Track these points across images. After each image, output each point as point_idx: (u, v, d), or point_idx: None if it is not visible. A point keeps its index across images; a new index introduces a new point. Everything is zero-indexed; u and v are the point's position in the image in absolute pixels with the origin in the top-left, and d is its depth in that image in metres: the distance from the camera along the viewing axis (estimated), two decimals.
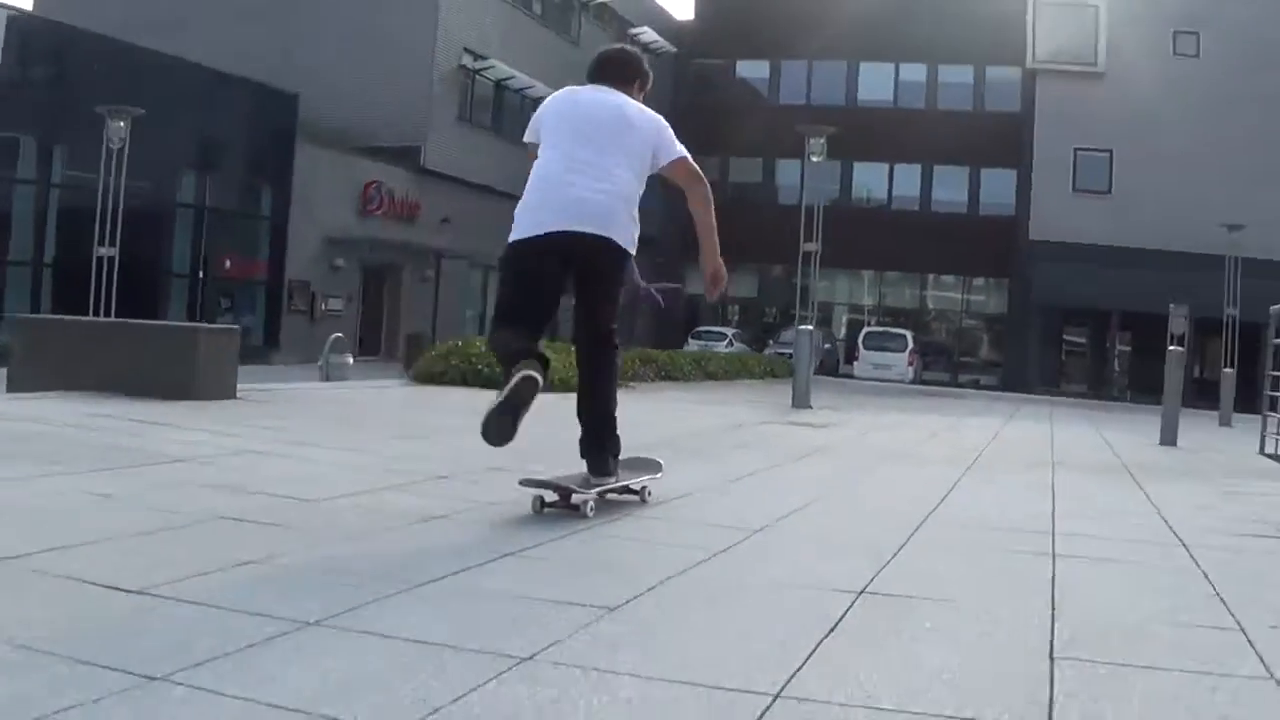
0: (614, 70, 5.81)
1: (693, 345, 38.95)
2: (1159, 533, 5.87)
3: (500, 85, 38.87)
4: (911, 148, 47.80)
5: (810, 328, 16.91)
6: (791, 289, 50.91)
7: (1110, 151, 41.27)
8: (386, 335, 35.15)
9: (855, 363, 41.45)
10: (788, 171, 49.79)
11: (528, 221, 5.25)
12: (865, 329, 44.25)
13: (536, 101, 40.54)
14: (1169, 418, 13.49)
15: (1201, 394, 41.23)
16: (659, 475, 5.82)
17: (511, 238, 5.30)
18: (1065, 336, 45.18)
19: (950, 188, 48.24)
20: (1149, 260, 38.15)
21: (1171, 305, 21.11)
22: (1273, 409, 12.89)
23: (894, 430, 13.21)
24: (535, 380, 4.88)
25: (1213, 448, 13.72)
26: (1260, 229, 39.04)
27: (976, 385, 43.28)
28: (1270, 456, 12.15)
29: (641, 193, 5.49)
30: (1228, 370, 22.51)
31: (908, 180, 49.15)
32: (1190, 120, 39.52)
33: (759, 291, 50.93)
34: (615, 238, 5.24)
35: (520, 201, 5.34)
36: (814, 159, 20.38)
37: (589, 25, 44.11)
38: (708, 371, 24.40)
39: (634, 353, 22.86)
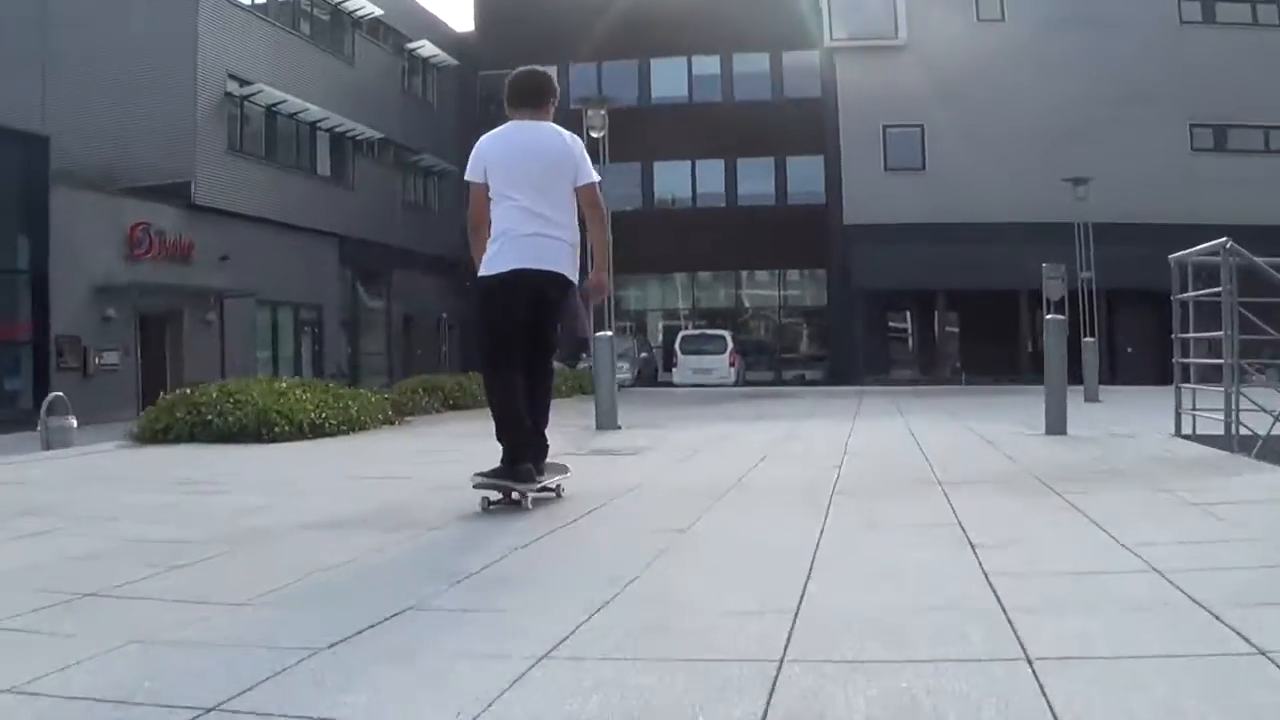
0: (531, 96, 6.64)
1: None
2: (1195, 622, 3.48)
3: (271, 111, 35.61)
4: (712, 142, 45.94)
5: (609, 333, 14.03)
6: (605, 299, 49.06)
7: (921, 126, 39.80)
8: (171, 387, 31.50)
9: (674, 369, 39.13)
10: None
11: (497, 262, 6.28)
12: (681, 333, 41.92)
13: (313, 125, 37.54)
14: (1054, 400, 11.08)
15: (1040, 367, 39.66)
16: (569, 475, 6.90)
17: (481, 273, 6.34)
18: (890, 322, 43.42)
19: (756, 180, 46.28)
20: (971, 234, 36.86)
21: (1045, 266, 19.08)
22: (1187, 379, 10.36)
23: (720, 449, 10.69)
24: (532, 473, 6.27)
25: (1111, 433, 11.32)
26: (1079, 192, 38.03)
27: (803, 380, 41.51)
28: (1193, 438, 9.68)
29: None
30: (1089, 339, 20.18)
31: (711, 176, 47.12)
32: (1001, 86, 38.19)
33: None
34: (564, 272, 6.36)
35: (489, 246, 6.33)
36: (594, 134, 17.51)
37: (363, 43, 41.05)
38: None
39: (414, 381, 20.06)
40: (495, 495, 6.21)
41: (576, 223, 6.44)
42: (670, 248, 44.45)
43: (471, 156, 6.46)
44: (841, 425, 13.42)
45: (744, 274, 48.04)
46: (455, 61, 46.90)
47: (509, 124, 6.53)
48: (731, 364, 38.60)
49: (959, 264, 36.84)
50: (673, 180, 47.39)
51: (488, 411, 6.50)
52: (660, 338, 46.52)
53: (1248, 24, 39.14)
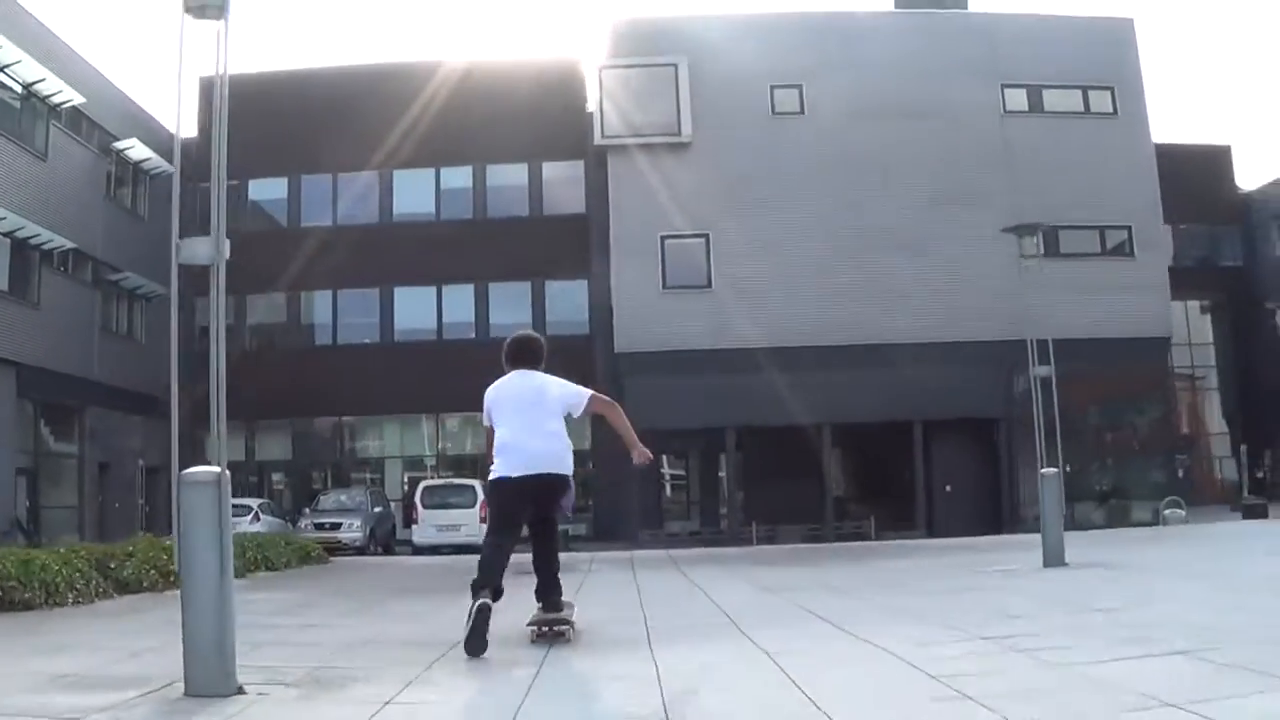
0: (528, 356, 8.47)
1: None
2: None
3: None
4: (461, 266, 40.04)
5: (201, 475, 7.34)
6: (332, 445, 42.86)
7: (706, 236, 34.57)
8: None
9: (414, 526, 32.45)
10: (319, 307, 41.42)
11: (505, 467, 7.98)
12: (423, 483, 35.24)
13: None
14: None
15: (848, 515, 34.83)
16: (575, 609, 8.69)
17: (494, 475, 8.07)
18: (668, 469, 37.73)
19: (510, 308, 40.00)
20: (767, 361, 31.42)
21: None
22: None
23: None
24: (489, 607, 7.41)
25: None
26: (881, 310, 33.46)
27: (565, 537, 34.89)
28: None
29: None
30: (1049, 471, 13.98)
31: (459, 304, 40.94)
32: (800, 189, 33.52)
33: (293, 451, 41.45)
34: (563, 471, 8.16)
35: (496, 458, 8.07)
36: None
37: (59, 135, 33.64)
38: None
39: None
40: (539, 630, 8.01)
41: (564, 428, 8.29)
42: (412, 386, 38.57)
43: (484, 404, 8.34)
44: (647, 659, 7.32)
45: None
46: (171, 168, 39.73)
47: (511, 374, 8.36)
48: (482, 519, 32.12)
49: (750, 397, 31.99)
50: (416, 309, 41.11)
51: None
52: (404, 489, 39.57)
53: (1079, 113, 35.36)
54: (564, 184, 41.02)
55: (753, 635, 7.79)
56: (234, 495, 27.30)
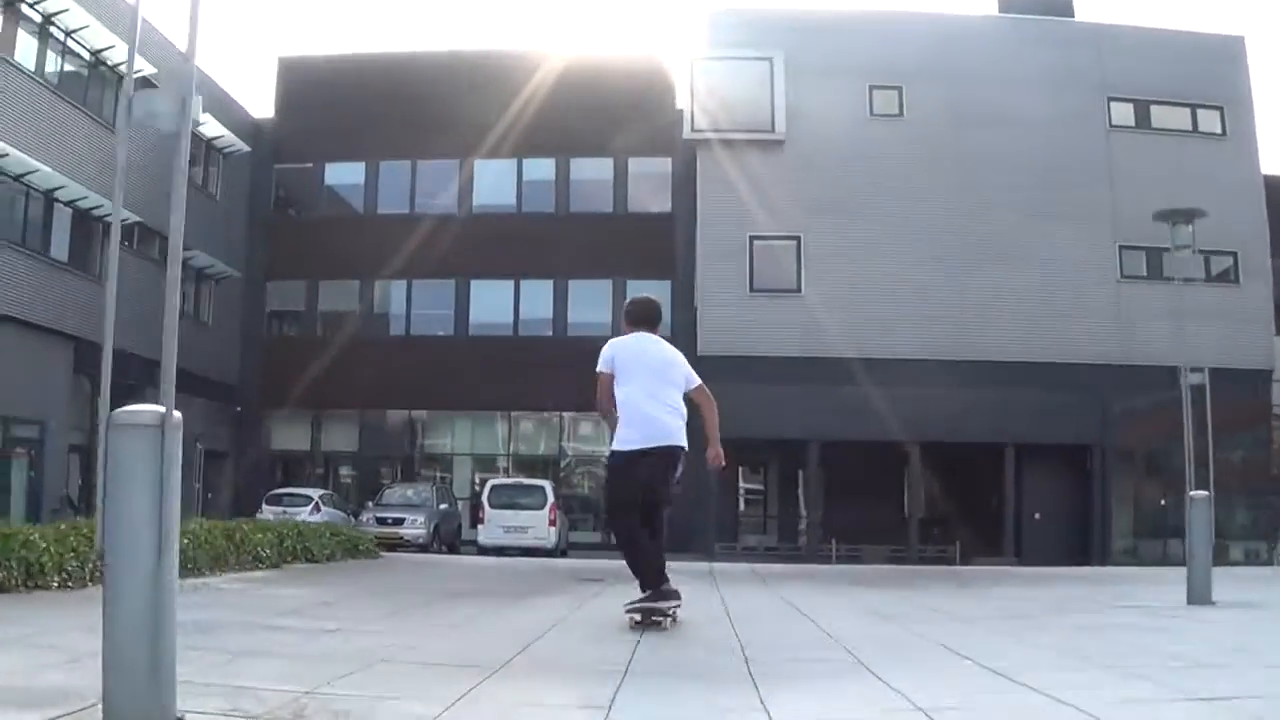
0: (650, 316, 8.95)
1: (268, 513, 29.29)
2: None
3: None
4: (541, 261, 39.07)
5: None
6: (401, 439, 41.91)
7: (797, 239, 33.38)
8: None
9: (480, 526, 31.21)
10: (394, 297, 40.54)
11: (625, 439, 8.35)
12: (491, 481, 34.07)
13: (47, 194, 27.14)
14: None
15: (930, 537, 33.47)
16: (680, 602, 8.55)
17: (614, 448, 8.53)
18: (744, 482, 36.44)
19: (590, 307, 39.01)
20: (857, 372, 30.06)
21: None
22: None
23: None
24: (678, 602, 8.47)
25: None
26: (976, 325, 32.05)
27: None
28: None
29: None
30: (1198, 494, 12.49)
31: (538, 300, 39.76)
32: (897, 194, 32.33)
33: (360, 443, 40.48)
34: (681, 443, 8.45)
35: (619, 424, 8.44)
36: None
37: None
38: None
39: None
40: (637, 617, 8.24)
41: (682, 401, 8.61)
42: (487, 382, 37.66)
43: (602, 353, 8.62)
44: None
45: (568, 417, 40.21)
46: (247, 148, 39.04)
47: (634, 334, 8.73)
48: (551, 522, 30.94)
49: (836, 408, 30.74)
50: (493, 303, 40.11)
51: None
52: (473, 488, 38.40)
53: (1186, 131, 33.68)
54: (650, 180, 40.11)
55: (886, 677, 6.13)
56: (296, 485, 26.30)
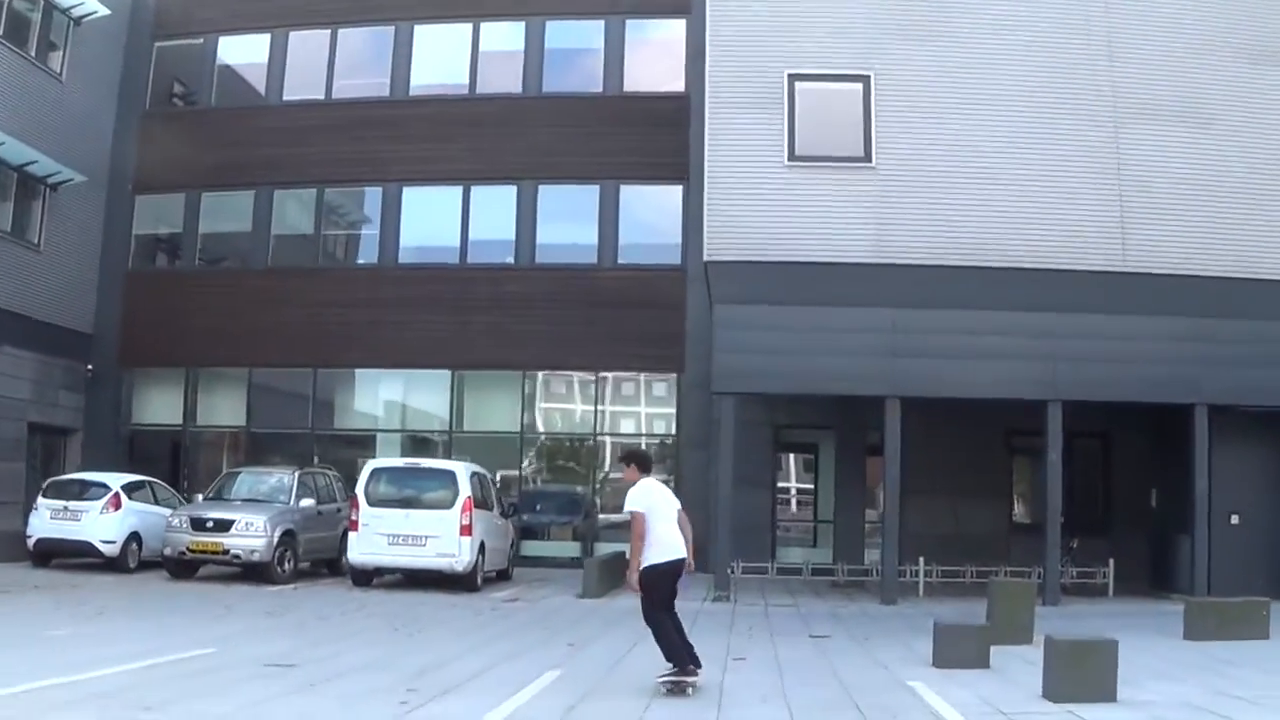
0: (651, 466, 11.57)
1: (44, 510, 22.48)
2: None
3: None
4: (499, 160, 29.65)
5: None
6: (304, 409, 30.96)
7: (866, 78, 20.54)
8: None
9: (352, 535, 20.21)
10: (298, 211, 30.83)
11: (660, 555, 10.70)
12: (370, 465, 21.89)
13: None
14: None
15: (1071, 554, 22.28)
16: (702, 670, 10.62)
17: (651, 563, 10.70)
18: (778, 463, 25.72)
19: (565, 224, 30.35)
20: (953, 288, 18.98)
21: None
22: None
23: None
24: (695, 679, 10.51)
25: None
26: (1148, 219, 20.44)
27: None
28: None
29: None
30: None
31: (493, 214, 29.95)
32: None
33: (249, 414, 30.03)
34: (685, 556, 10.98)
35: (652, 549, 10.73)
36: None
37: None
38: None
39: None
40: (668, 686, 10.39)
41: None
42: (425, 329, 28.90)
43: (636, 499, 10.83)
44: None
45: (540, 378, 30.00)
46: (107, 10, 28.89)
47: (651, 480, 11.19)
48: (464, 529, 19.71)
49: (921, 351, 19.72)
50: (433, 218, 30.20)
51: None
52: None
53: None
54: (655, 49, 30.34)
55: None
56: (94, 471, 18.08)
